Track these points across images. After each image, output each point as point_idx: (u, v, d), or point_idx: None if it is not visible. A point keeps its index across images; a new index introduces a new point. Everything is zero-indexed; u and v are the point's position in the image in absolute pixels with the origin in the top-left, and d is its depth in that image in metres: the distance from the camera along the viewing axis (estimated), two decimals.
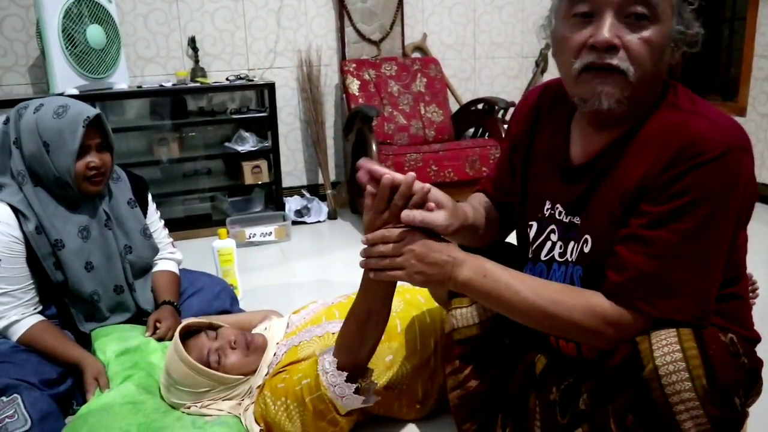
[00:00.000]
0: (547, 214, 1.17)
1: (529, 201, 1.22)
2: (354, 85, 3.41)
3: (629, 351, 0.96)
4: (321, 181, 3.61)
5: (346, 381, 1.29)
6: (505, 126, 3.14)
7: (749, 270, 1.19)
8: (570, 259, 1.12)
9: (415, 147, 3.19)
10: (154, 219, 1.96)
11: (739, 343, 0.96)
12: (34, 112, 1.63)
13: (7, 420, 1.44)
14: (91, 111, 1.65)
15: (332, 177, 3.68)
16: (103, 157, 1.70)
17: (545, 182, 1.18)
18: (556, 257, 1.14)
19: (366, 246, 1.11)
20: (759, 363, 1.13)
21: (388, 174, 1.06)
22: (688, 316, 0.96)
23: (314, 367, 1.35)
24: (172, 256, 1.97)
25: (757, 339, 1.17)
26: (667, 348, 0.92)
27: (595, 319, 1.00)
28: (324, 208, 3.47)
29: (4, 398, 1.46)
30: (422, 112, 3.46)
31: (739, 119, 3.57)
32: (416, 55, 3.76)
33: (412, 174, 1.06)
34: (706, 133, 0.94)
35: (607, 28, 0.96)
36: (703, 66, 4.03)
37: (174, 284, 1.89)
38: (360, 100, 3.38)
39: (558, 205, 1.15)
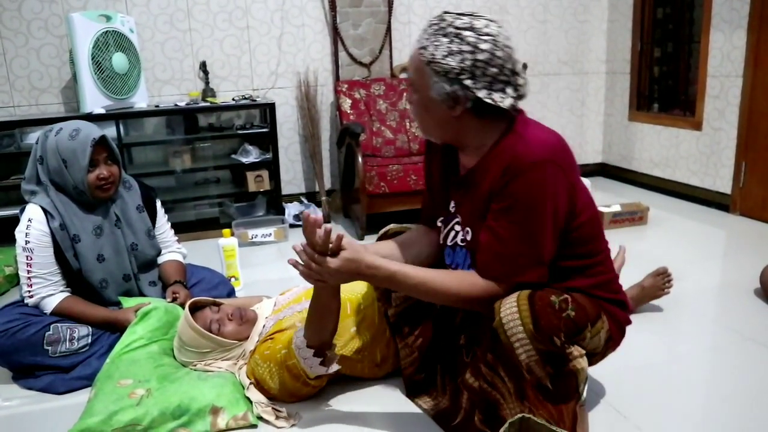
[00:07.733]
0: (452, 211, 1.58)
1: (443, 202, 1.63)
2: (346, 104, 3.79)
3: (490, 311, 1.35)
4: (317, 189, 4.00)
5: (314, 356, 1.65)
6: None
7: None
8: (464, 244, 1.52)
9: (397, 159, 3.56)
10: (163, 222, 2.31)
11: (573, 302, 1.33)
12: (55, 135, 1.97)
13: (74, 329, 1.92)
14: (97, 132, 1.98)
15: (327, 185, 4.08)
16: (111, 169, 2.03)
17: (450, 187, 1.59)
18: (458, 242, 1.55)
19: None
20: (620, 318, 1.53)
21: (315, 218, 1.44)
22: (534, 279, 1.36)
23: (291, 341, 1.71)
24: (179, 250, 2.34)
25: (623, 301, 1.56)
26: (508, 305, 1.31)
27: (474, 291, 1.40)
28: (319, 213, 3.84)
29: (59, 324, 1.92)
30: (407, 127, 3.83)
31: (695, 133, 3.94)
32: (404, 75, 4.11)
33: (327, 226, 1.42)
34: (520, 154, 1.34)
35: (407, 93, 1.42)
36: (669, 84, 4.39)
37: (181, 270, 2.27)
38: (351, 117, 3.75)
39: (455, 205, 1.55)
